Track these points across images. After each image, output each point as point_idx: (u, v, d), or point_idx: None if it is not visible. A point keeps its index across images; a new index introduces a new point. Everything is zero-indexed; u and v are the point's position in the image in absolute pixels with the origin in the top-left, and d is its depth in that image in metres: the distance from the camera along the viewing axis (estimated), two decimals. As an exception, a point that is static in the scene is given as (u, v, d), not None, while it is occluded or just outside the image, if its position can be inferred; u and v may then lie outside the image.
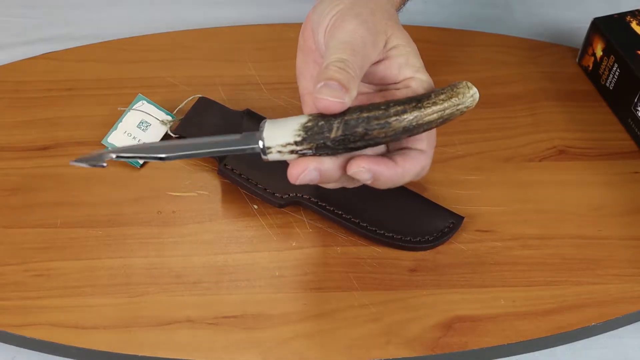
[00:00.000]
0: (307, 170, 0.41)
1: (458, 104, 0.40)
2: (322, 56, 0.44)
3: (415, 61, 0.44)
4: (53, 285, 0.51)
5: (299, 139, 0.40)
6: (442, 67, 0.65)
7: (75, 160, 0.41)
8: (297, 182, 0.41)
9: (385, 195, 0.54)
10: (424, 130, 0.41)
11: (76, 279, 0.51)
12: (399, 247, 0.53)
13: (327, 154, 0.40)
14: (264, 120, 0.41)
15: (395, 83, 0.44)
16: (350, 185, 0.44)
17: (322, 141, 0.40)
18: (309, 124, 0.40)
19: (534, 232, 0.55)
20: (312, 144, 0.40)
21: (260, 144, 0.40)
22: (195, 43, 0.66)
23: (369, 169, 0.40)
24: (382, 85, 0.45)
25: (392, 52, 0.44)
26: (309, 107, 0.47)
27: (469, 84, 0.41)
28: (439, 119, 0.40)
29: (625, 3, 0.72)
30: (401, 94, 0.43)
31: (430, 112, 0.40)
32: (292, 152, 0.40)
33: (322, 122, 0.40)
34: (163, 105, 0.60)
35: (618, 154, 0.60)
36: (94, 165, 0.41)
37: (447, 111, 0.40)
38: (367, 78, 0.44)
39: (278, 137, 0.40)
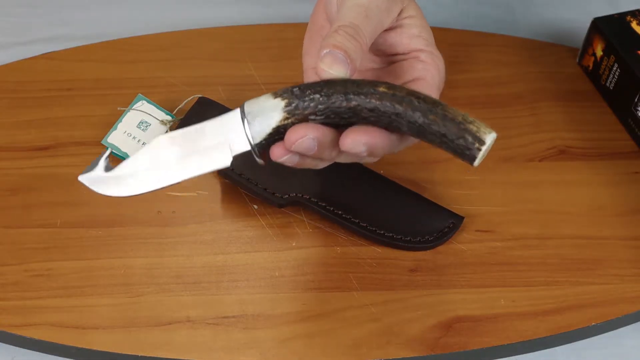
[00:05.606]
0: (305, 138, 0.38)
1: (465, 115, 0.37)
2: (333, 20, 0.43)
3: (428, 36, 0.43)
4: (53, 285, 0.51)
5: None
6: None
7: None
8: (293, 149, 0.38)
9: (385, 195, 0.55)
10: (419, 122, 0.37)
11: (76, 279, 0.51)
12: (399, 247, 0.53)
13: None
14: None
15: (404, 54, 0.43)
16: (343, 161, 0.42)
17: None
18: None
19: (534, 232, 0.54)
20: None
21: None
22: (195, 43, 0.66)
23: (365, 142, 0.38)
24: (389, 56, 0.44)
25: (406, 21, 0.43)
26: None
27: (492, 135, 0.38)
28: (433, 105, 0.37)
29: (625, 3, 0.72)
30: (409, 64, 0.42)
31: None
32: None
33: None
34: (163, 105, 0.60)
35: (618, 154, 0.60)
36: None
37: (444, 109, 0.37)
38: (375, 45, 0.43)
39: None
